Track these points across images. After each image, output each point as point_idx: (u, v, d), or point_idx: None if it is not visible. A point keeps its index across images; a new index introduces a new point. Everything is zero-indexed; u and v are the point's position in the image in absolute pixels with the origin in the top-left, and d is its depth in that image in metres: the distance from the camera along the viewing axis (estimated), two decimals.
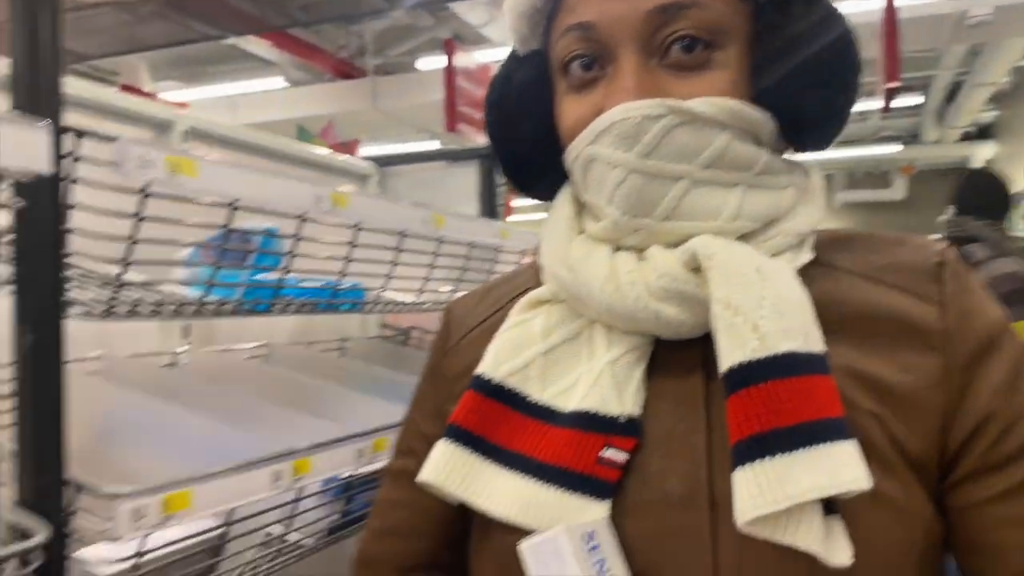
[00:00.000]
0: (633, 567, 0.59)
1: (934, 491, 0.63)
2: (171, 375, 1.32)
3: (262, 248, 1.05)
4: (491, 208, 2.20)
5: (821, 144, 0.68)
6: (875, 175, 13.40)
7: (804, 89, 0.64)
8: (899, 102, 8.52)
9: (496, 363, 0.67)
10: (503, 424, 0.65)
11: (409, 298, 1.44)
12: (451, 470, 0.65)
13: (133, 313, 0.90)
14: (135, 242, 0.85)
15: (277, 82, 8.58)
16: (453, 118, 6.01)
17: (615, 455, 0.62)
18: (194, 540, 0.93)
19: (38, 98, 0.74)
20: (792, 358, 0.57)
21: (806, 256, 0.65)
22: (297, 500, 1.07)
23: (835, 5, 0.67)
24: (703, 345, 0.62)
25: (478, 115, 6.55)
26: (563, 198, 0.71)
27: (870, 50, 6.10)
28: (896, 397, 0.61)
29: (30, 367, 0.75)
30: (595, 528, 0.59)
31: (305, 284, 1.16)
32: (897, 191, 13.36)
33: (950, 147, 12.25)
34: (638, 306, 0.62)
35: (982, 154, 12.42)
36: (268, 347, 1.71)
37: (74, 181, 0.78)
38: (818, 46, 0.64)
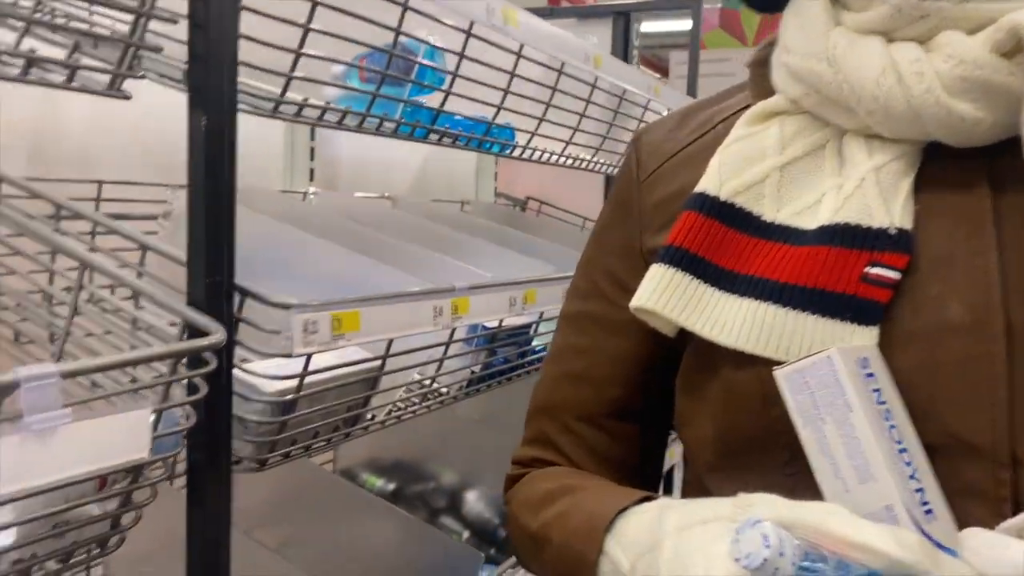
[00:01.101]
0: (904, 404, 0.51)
1: None
2: (310, 210, 1.25)
3: (426, 61, 0.95)
4: None
5: None
6: None
7: None
8: None
9: (721, 179, 0.59)
10: (730, 246, 0.58)
11: (558, 148, 1.33)
12: (671, 295, 0.57)
13: (299, 116, 0.81)
14: (308, 31, 0.75)
15: None
16: None
17: (885, 272, 0.52)
18: (350, 370, 0.87)
19: None
20: None
21: None
22: (448, 343, 1.00)
23: None
24: (988, 156, 0.52)
25: None
26: None
27: None
28: None
29: (204, 155, 0.67)
30: (868, 354, 0.50)
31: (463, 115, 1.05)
32: None
33: None
34: (926, 101, 0.51)
35: None
36: (391, 198, 1.63)
37: None
38: None
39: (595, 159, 1.49)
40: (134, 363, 0.59)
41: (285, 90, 0.76)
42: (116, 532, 0.64)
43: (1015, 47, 0.49)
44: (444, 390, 1.10)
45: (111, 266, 0.68)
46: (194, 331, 0.66)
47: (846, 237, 0.53)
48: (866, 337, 0.51)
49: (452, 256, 1.15)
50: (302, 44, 0.75)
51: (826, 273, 0.53)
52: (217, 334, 0.63)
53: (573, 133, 1.31)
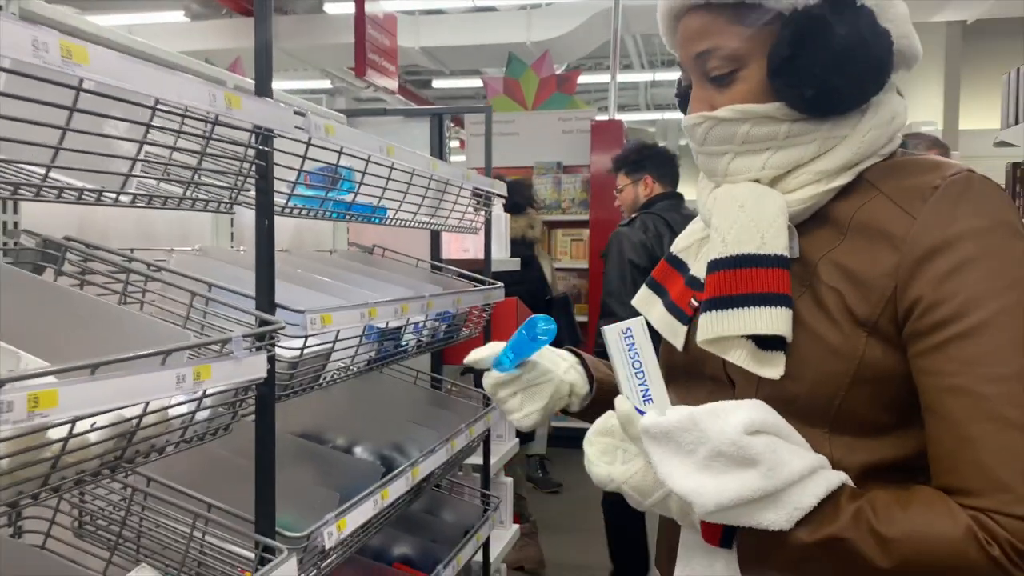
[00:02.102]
0: (690, 352, 1.01)
1: (893, 342, 0.87)
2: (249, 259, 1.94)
3: (344, 178, 1.69)
4: (440, 155, 2.85)
5: (827, 112, 0.92)
6: None
7: (788, 85, 0.91)
8: None
9: (677, 243, 1.11)
10: (669, 278, 1.08)
11: (406, 218, 2.10)
12: (643, 299, 1.11)
13: (291, 214, 1.54)
14: (300, 172, 1.49)
15: (177, 15, 8.67)
16: (363, 64, 6.48)
17: (695, 303, 1.02)
18: (316, 350, 1.59)
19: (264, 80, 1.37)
20: (741, 258, 0.91)
21: (838, 181, 0.92)
22: (361, 336, 1.74)
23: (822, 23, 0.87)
24: None
25: (385, 63, 7.04)
26: None
27: None
28: (858, 279, 0.88)
29: (264, 241, 1.39)
30: (632, 325, 0.92)
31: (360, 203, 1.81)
32: None
33: None
34: (707, 218, 0.99)
35: None
36: (287, 251, 2.33)
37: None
38: (786, 56, 0.90)
39: (418, 219, 2.27)
40: (265, 333, 1.29)
41: (287, 206, 1.48)
42: (234, 420, 1.33)
43: None
44: (355, 368, 1.84)
45: (220, 295, 1.38)
46: (263, 323, 1.37)
47: (693, 283, 1.02)
48: (682, 331, 1.01)
49: (346, 283, 1.89)
50: (296, 181, 1.48)
51: (680, 299, 1.04)
52: (281, 323, 1.35)
53: (418, 208, 2.09)
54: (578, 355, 1.23)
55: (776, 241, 0.91)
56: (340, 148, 1.58)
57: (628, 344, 0.91)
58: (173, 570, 1.45)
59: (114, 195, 1.06)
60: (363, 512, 1.67)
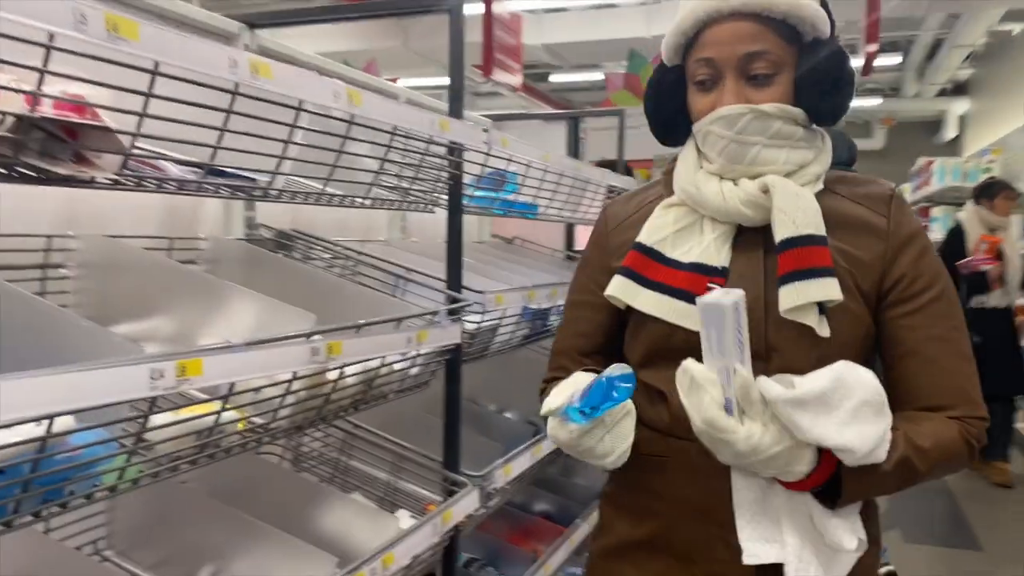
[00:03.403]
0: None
1: (875, 310, 1.12)
2: (420, 247, 2.29)
3: (509, 180, 2.01)
4: (575, 153, 3.15)
5: (830, 122, 1.14)
6: (857, 125, 14.22)
7: (818, 96, 1.10)
8: (881, 60, 9.36)
9: (648, 236, 1.18)
10: (649, 268, 1.16)
11: (553, 213, 2.41)
12: (623, 289, 1.17)
13: (468, 212, 1.86)
14: (481, 177, 1.81)
15: None
16: (490, 64, 6.82)
17: (714, 287, 1.09)
18: (488, 324, 1.91)
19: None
20: (811, 237, 1.07)
21: (819, 186, 1.13)
22: (520, 316, 2.05)
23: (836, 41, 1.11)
24: (763, 232, 1.12)
25: (510, 61, 7.36)
26: (689, 147, 1.19)
27: (855, 13, 6.93)
28: (858, 262, 1.11)
29: (455, 234, 1.72)
30: (739, 299, 0.96)
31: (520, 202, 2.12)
32: (876, 141, 14.12)
33: (928, 102, 12.95)
34: (733, 208, 1.11)
35: (957, 109, 13.20)
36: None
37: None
38: (825, 74, 1.09)
39: (562, 214, 2.57)
40: (459, 308, 1.62)
41: (467, 205, 1.80)
42: (432, 377, 1.67)
43: (765, 188, 1.10)
44: (514, 342, 2.15)
45: (418, 277, 1.71)
46: (453, 300, 1.69)
47: (700, 268, 1.12)
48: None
49: (502, 268, 2.21)
50: (473, 187, 1.80)
51: (691, 284, 1.12)
52: (470, 300, 1.67)
53: (564, 204, 2.39)
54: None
55: (822, 227, 1.09)
56: (509, 156, 1.90)
57: (737, 316, 0.96)
58: (376, 498, 1.81)
59: (361, 199, 1.41)
60: (523, 462, 1.99)
